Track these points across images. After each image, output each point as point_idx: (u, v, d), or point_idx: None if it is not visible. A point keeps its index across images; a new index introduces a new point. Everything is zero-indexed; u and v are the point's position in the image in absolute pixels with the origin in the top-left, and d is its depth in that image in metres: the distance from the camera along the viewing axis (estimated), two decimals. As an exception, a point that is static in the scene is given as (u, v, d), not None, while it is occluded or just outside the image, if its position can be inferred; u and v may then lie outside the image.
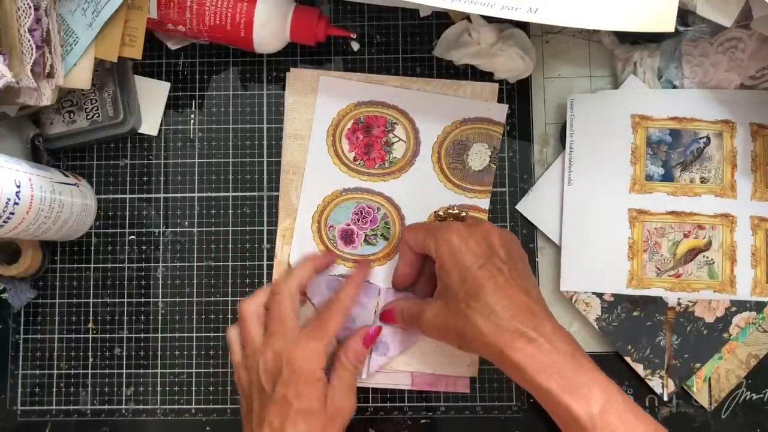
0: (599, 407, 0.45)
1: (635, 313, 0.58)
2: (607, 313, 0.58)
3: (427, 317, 0.52)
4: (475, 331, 0.49)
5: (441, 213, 0.58)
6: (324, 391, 0.51)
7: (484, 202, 0.60)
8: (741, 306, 0.57)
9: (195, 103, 0.62)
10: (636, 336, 0.58)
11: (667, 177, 0.59)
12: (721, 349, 0.57)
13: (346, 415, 0.52)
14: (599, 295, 0.58)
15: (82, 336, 0.61)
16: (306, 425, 0.50)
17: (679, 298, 0.58)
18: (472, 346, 0.50)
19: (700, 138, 0.59)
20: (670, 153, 0.59)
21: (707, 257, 0.58)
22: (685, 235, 0.58)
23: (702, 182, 0.58)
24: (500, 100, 0.61)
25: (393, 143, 0.61)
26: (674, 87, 0.59)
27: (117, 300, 0.61)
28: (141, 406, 0.60)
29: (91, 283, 0.61)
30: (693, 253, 0.58)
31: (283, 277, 0.57)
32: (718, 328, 0.57)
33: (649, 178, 0.59)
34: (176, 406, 0.60)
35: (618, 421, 0.45)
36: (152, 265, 0.61)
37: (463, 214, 0.57)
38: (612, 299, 0.58)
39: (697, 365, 0.57)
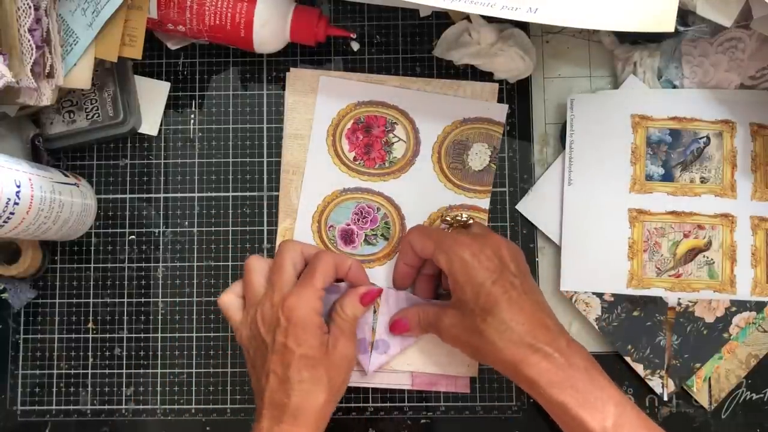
0: (612, 421, 0.46)
1: (635, 313, 0.58)
2: (607, 313, 0.58)
3: (446, 325, 0.53)
4: (490, 347, 0.50)
5: (449, 219, 0.57)
6: (324, 339, 0.51)
7: (484, 202, 0.60)
8: (741, 306, 0.57)
9: (195, 103, 0.62)
10: (636, 336, 0.58)
11: (667, 177, 0.59)
12: (721, 349, 0.57)
13: (349, 363, 0.53)
14: (599, 295, 0.58)
15: (82, 336, 0.61)
16: (310, 372, 0.50)
17: (679, 298, 0.58)
18: (487, 359, 0.51)
19: (700, 138, 0.59)
20: (670, 153, 0.59)
21: (707, 257, 0.58)
22: (685, 235, 0.58)
23: (702, 182, 0.58)
24: (500, 100, 0.61)
25: (393, 143, 0.61)
26: (674, 87, 0.59)
27: (117, 300, 0.61)
28: (141, 406, 0.60)
29: (91, 283, 0.61)
30: (693, 253, 0.58)
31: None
32: (718, 328, 0.57)
33: (649, 178, 0.59)
34: (176, 406, 0.60)
35: None
36: (152, 265, 0.61)
37: (471, 222, 0.57)
38: (612, 299, 0.58)
39: (697, 365, 0.57)
